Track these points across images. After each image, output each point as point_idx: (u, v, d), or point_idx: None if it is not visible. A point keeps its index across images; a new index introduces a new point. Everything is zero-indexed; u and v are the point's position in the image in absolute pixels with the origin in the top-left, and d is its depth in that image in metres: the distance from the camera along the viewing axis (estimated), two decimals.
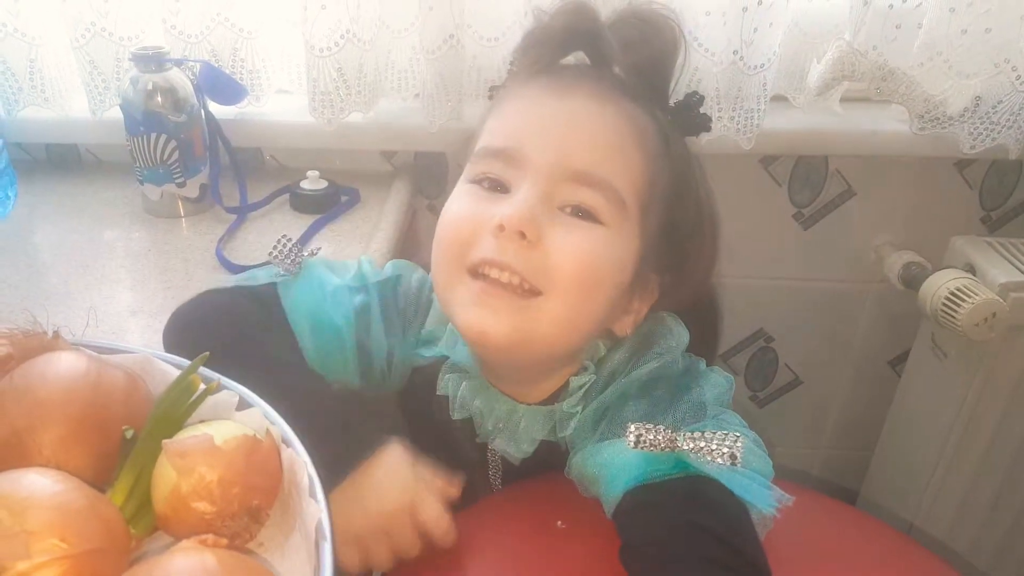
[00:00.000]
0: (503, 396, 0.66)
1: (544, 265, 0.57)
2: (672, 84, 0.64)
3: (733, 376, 0.64)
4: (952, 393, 1.04)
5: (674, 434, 0.54)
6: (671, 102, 0.65)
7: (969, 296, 0.94)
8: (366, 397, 0.70)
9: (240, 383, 0.55)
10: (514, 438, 0.65)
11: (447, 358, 0.68)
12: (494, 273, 0.58)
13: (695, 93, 0.65)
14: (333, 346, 0.67)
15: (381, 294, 0.70)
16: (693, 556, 0.51)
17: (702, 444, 0.53)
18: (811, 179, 1.11)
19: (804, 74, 1.00)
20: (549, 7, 0.64)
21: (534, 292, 0.58)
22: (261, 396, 0.53)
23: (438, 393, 0.68)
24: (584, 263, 0.58)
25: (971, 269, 1.01)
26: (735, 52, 0.92)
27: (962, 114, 0.97)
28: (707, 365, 0.65)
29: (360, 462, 0.56)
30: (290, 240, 0.70)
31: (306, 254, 0.71)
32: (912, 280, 1.05)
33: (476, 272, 0.59)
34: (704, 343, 0.68)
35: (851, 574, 0.63)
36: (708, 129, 0.66)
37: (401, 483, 0.56)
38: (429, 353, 0.69)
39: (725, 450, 0.53)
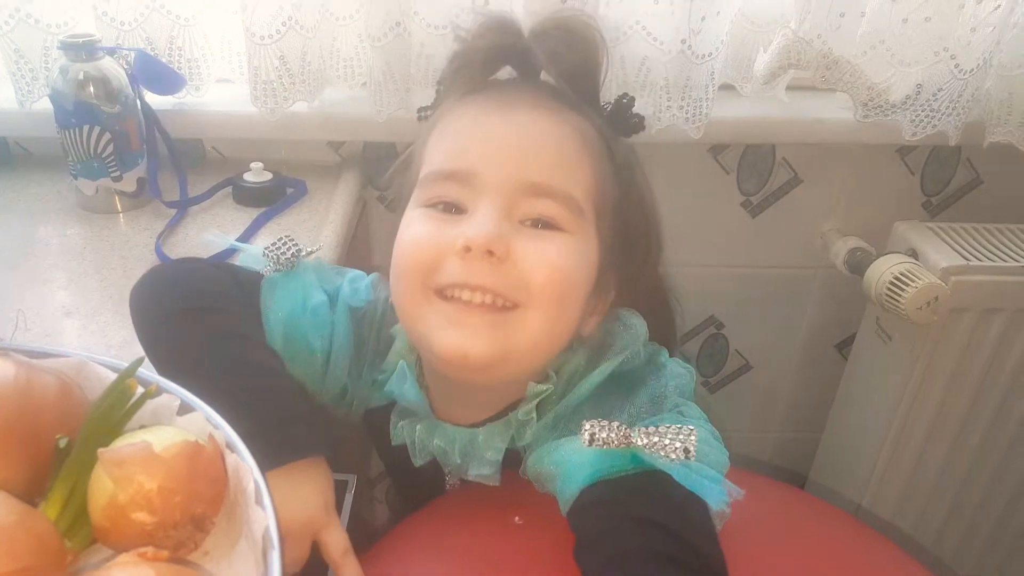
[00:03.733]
0: (459, 428, 0.65)
1: (517, 278, 0.57)
2: (600, 87, 0.65)
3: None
4: (896, 375, 1.07)
5: (628, 430, 0.54)
6: (604, 106, 0.66)
7: (912, 280, 0.96)
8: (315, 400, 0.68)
9: (195, 349, 0.53)
10: (482, 462, 0.64)
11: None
12: (466, 295, 0.57)
13: (625, 95, 0.66)
14: (302, 359, 0.66)
15: (357, 326, 0.68)
16: (645, 550, 0.51)
17: (656, 439, 0.53)
18: (759, 167, 1.12)
19: (751, 63, 1.00)
20: (470, 27, 0.64)
21: (511, 306, 0.57)
22: (212, 364, 0.51)
23: (393, 444, 0.67)
24: (556, 270, 0.58)
25: (914, 254, 1.03)
26: (683, 41, 0.92)
27: (904, 102, 0.98)
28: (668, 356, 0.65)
29: (286, 462, 0.55)
30: (295, 245, 0.68)
31: (303, 253, 0.69)
32: (857, 265, 1.07)
33: (445, 295, 0.58)
34: (663, 336, 0.68)
35: (800, 555, 0.64)
36: (643, 128, 0.67)
37: (314, 497, 0.55)
38: (380, 395, 0.68)
39: (678, 444, 0.53)
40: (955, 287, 0.97)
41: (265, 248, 0.68)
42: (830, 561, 0.64)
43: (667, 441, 0.53)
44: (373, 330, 0.70)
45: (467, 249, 0.56)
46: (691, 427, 0.54)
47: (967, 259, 0.99)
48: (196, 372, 0.58)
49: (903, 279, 0.97)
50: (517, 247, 0.57)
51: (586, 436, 0.53)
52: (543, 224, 0.59)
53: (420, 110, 0.70)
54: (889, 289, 0.98)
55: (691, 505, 0.53)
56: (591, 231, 0.61)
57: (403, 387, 0.64)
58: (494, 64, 0.65)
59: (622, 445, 0.53)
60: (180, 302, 0.62)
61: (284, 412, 0.57)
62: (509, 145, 0.59)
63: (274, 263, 0.67)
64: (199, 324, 0.61)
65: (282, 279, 0.67)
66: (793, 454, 1.39)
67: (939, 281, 0.96)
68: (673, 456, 0.53)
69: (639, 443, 0.53)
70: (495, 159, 0.58)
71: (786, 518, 0.69)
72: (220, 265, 0.68)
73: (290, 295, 0.66)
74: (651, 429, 0.54)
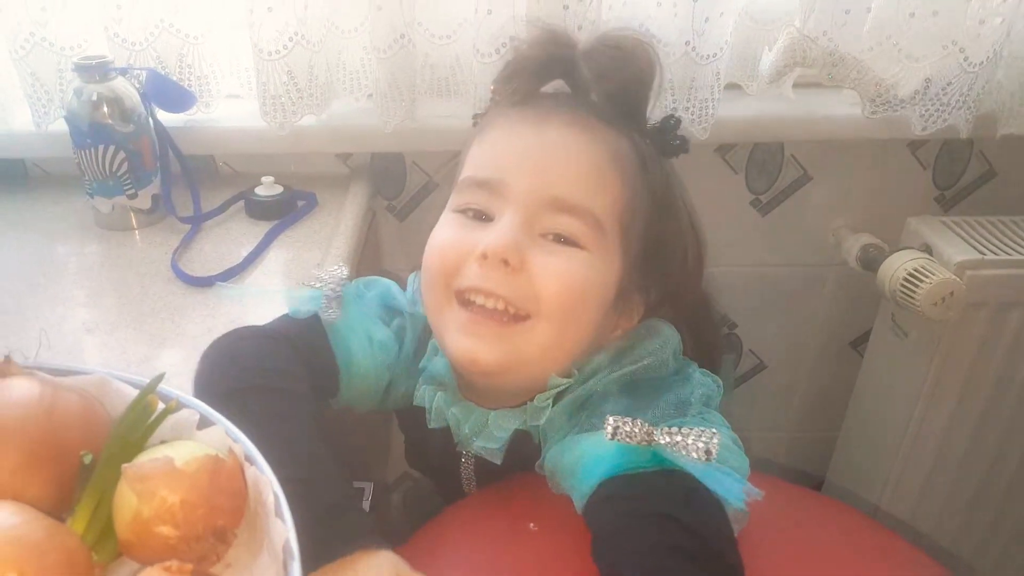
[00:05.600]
0: (477, 407, 0.67)
1: (529, 289, 0.59)
2: (649, 107, 0.66)
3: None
4: (913, 372, 1.06)
5: (651, 428, 0.55)
6: (650, 125, 0.67)
7: (926, 276, 0.96)
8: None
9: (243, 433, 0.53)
10: (489, 436, 0.65)
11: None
12: (480, 299, 0.60)
13: (671, 116, 0.67)
14: (369, 388, 0.69)
15: (422, 331, 0.71)
16: (661, 545, 0.52)
17: (678, 439, 0.54)
18: (767, 166, 1.12)
19: (756, 62, 1.00)
20: (527, 36, 0.66)
21: (521, 316, 0.60)
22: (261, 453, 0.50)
23: (414, 404, 0.69)
24: (568, 285, 0.60)
25: (927, 249, 1.02)
26: (687, 43, 0.93)
27: (913, 96, 0.98)
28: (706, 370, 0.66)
29: (348, 550, 0.51)
30: (341, 273, 0.70)
31: (342, 275, 0.70)
32: (870, 262, 1.07)
33: (463, 298, 0.61)
34: (704, 352, 0.69)
35: (819, 560, 0.64)
36: (686, 150, 0.68)
37: None
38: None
39: (701, 445, 0.54)
40: (970, 282, 0.97)
41: (317, 287, 0.68)
42: (848, 564, 0.64)
43: (689, 441, 0.54)
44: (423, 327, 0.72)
45: (484, 256, 0.59)
46: (714, 431, 0.55)
47: (982, 253, 0.98)
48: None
49: (917, 275, 0.96)
50: (532, 259, 0.59)
51: (609, 429, 0.55)
52: (563, 239, 0.61)
53: (475, 117, 0.73)
54: (903, 285, 0.97)
55: (710, 504, 0.54)
56: (613, 248, 0.62)
57: (433, 360, 0.68)
58: (544, 76, 0.66)
59: (644, 442, 0.55)
60: (235, 381, 0.61)
61: (331, 502, 0.54)
62: (537, 159, 0.61)
63: (328, 303, 0.68)
64: (251, 406, 0.58)
65: (345, 321, 0.68)
66: (808, 454, 1.39)
67: (954, 276, 0.96)
68: (695, 455, 0.54)
69: (661, 441, 0.54)
70: (522, 171, 0.61)
71: (803, 521, 0.69)
72: (275, 335, 0.66)
73: (357, 335, 0.68)
74: (674, 429, 0.55)
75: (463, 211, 0.64)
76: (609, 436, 0.55)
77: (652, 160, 0.65)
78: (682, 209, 0.68)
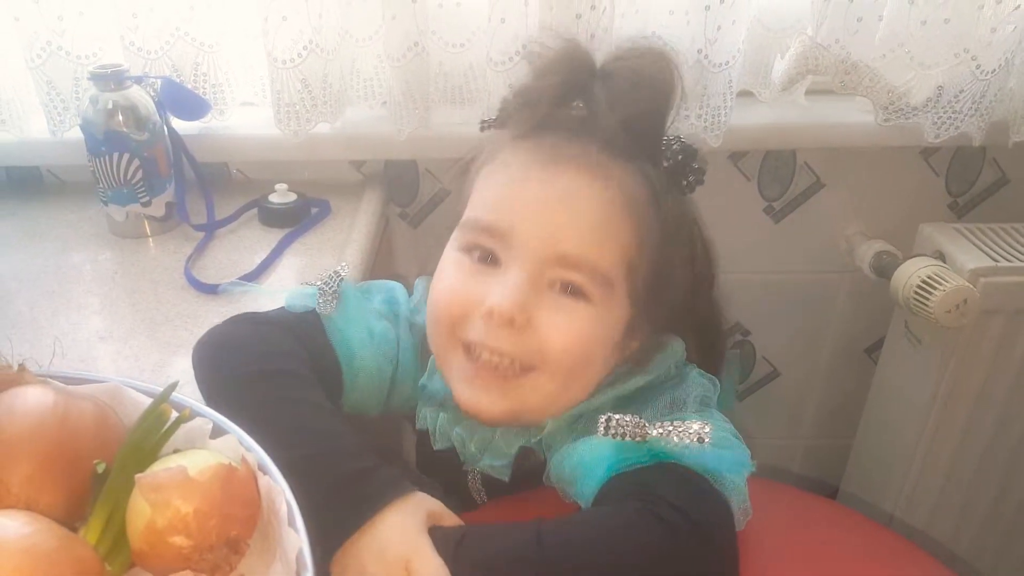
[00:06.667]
0: (480, 425, 0.66)
1: (535, 344, 0.59)
2: (668, 123, 0.63)
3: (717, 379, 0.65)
4: (927, 379, 1.05)
5: (644, 423, 0.56)
6: (665, 155, 0.64)
7: (940, 283, 0.95)
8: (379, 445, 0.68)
9: (259, 416, 0.55)
10: (496, 453, 0.65)
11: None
12: (486, 355, 0.60)
13: (686, 148, 0.63)
14: (371, 383, 0.68)
15: (421, 338, 0.69)
16: (634, 503, 0.53)
17: (670, 428, 0.55)
18: (780, 173, 1.12)
19: (768, 69, 1.00)
20: (543, 51, 0.63)
21: (527, 368, 0.60)
22: (274, 434, 0.52)
23: (418, 428, 0.69)
24: (574, 342, 0.59)
25: (941, 256, 1.02)
26: (699, 51, 0.93)
27: (925, 104, 0.97)
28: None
29: (371, 515, 0.52)
30: (338, 275, 0.69)
31: (340, 273, 0.70)
32: (883, 269, 1.06)
33: (469, 350, 0.61)
34: (706, 357, 0.68)
35: (833, 568, 0.63)
36: (702, 183, 0.65)
37: (401, 537, 0.52)
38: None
39: (693, 429, 0.54)
40: (984, 289, 0.96)
41: (315, 284, 0.68)
42: (863, 573, 0.64)
43: (681, 429, 0.55)
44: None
45: (490, 315, 0.58)
46: (705, 420, 0.55)
47: (995, 260, 0.98)
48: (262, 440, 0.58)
49: (931, 282, 0.96)
50: (539, 315, 0.59)
51: (601, 427, 0.56)
52: (570, 289, 0.59)
53: (483, 123, 0.69)
54: (917, 293, 0.97)
55: (704, 491, 0.54)
56: (620, 296, 0.61)
57: (433, 378, 0.68)
58: (561, 103, 0.63)
59: (638, 436, 0.55)
60: (241, 367, 0.61)
61: (356, 468, 0.55)
62: (546, 211, 0.59)
63: (325, 297, 0.67)
64: (259, 390, 0.59)
65: (342, 314, 0.67)
66: (822, 462, 1.38)
67: (967, 283, 0.95)
68: (687, 441, 0.54)
69: (653, 433, 0.55)
70: (530, 224, 0.59)
71: (818, 530, 0.69)
72: (275, 320, 0.67)
73: (355, 328, 0.67)
74: (666, 423, 0.56)
75: (468, 251, 0.62)
76: (602, 433, 0.55)
77: (664, 191, 0.63)
78: (694, 235, 0.67)
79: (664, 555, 0.51)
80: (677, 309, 0.66)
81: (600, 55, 0.63)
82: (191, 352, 0.66)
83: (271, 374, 0.60)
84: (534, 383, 0.60)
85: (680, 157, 0.63)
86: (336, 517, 0.52)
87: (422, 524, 0.53)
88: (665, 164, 0.63)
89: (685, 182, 0.64)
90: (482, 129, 0.70)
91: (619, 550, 0.51)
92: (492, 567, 0.51)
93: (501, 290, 0.58)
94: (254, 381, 0.60)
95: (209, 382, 0.63)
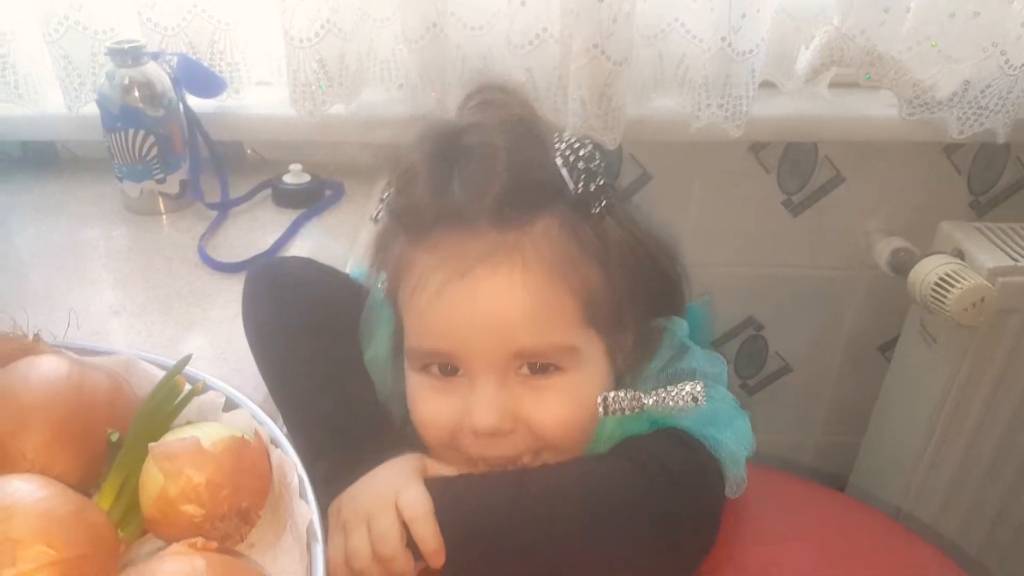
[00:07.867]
0: None
1: (531, 433, 0.58)
2: (555, 159, 0.57)
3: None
4: (941, 378, 1.04)
5: (639, 394, 0.57)
6: (575, 188, 0.57)
7: (958, 281, 0.94)
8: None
9: (303, 372, 0.61)
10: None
11: None
12: (491, 462, 0.59)
13: (585, 170, 0.57)
14: (377, 374, 0.66)
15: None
16: (619, 456, 0.56)
17: (663, 394, 0.56)
18: (800, 165, 1.11)
19: (792, 60, 0.99)
20: (408, 144, 0.58)
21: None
22: (313, 382, 0.60)
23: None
24: (565, 415, 0.58)
25: (959, 254, 1.01)
26: (723, 39, 0.91)
27: (951, 99, 0.96)
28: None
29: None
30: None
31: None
32: (901, 266, 1.05)
33: (474, 462, 0.59)
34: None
35: (840, 559, 0.64)
36: (613, 203, 0.59)
37: (395, 472, 0.55)
38: None
39: (686, 390, 0.56)
40: (1002, 288, 0.95)
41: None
42: (871, 566, 0.64)
43: (674, 392, 0.56)
44: None
45: (476, 435, 0.57)
46: (697, 381, 0.57)
47: (1015, 260, 0.97)
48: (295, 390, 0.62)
49: (948, 280, 0.95)
50: (523, 408, 0.57)
51: (600, 408, 0.57)
52: (540, 367, 0.57)
53: (373, 219, 0.64)
54: (934, 290, 0.96)
55: (688, 450, 0.56)
56: (590, 345, 0.58)
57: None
58: (437, 196, 0.56)
59: (635, 408, 0.57)
60: (300, 316, 0.65)
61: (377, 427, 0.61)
62: (482, 324, 0.55)
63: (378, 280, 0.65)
64: (310, 345, 0.63)
65: (378, 310, 0.65)
66: (833, 458, 1.37)
67: (985, 282, 0.94)
68: (681, 403, 0.56)
69: (649, 403, 0.56)
70: (474, 341, 0.56)
71: (826, 522, 0.69)
72: (337, 273, 0.71)
73: (385, 324, 0.65)
74: (660, 390, 0.57)
75: (427, 369, 0.59)
76: (602, 413, 0.57)
77: (582, 220, 0.57)
78: (635, 237, 0.61)
79: (637, 500, 0.53)
80: (653, 304, 0.64)
81: (455, 121, 0.60)
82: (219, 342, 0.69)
83: (322, 330, 0.64)
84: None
85: (582, 182, 0.57)
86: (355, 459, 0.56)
87: (415, 469, 0.56)
88: (573, 189, 0.57)
89: (596, 210, 0.58)
90: (375, 221, 0.64)
91: (595, 497, 0.54)
92: (472, 503, 0.54)
93: (478, 408, 0.56)
94: (304, 335, 0.63)
95: (261, 326, 0.66)
